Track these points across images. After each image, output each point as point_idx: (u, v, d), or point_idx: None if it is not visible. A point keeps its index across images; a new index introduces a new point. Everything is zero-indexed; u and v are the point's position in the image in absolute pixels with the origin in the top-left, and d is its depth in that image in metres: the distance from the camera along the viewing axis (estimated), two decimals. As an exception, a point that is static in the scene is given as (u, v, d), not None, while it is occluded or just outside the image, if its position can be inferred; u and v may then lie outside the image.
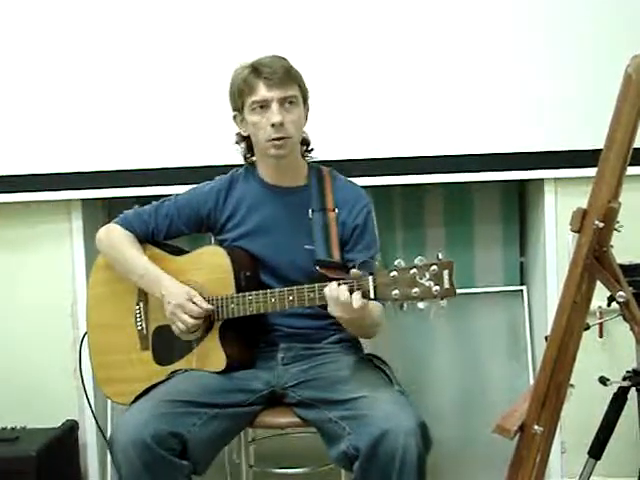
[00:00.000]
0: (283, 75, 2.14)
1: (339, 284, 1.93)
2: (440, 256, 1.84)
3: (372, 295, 1.90)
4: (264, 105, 2.14)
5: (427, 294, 1.83)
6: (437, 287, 1.82)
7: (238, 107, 2.21)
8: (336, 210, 2.25)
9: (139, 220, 2.32)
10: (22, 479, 2.48)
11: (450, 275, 1.82)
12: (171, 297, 2.16)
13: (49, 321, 2.84)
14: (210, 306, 2.15)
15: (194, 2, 2.72)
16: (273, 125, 2.13)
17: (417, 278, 1.83)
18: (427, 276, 1.82)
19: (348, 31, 2.70)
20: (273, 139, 2.15)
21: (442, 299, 1.83)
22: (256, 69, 2.15)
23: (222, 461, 2.46)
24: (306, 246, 2.20)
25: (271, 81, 2.13)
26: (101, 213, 2.93)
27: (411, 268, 1.84)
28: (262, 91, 2.14)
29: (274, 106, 2.14)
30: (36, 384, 2.84)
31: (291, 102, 2.16)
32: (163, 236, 2.33)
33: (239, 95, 2.18)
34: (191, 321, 2.14)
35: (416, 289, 1.83)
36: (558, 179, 2.73)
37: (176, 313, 2.15)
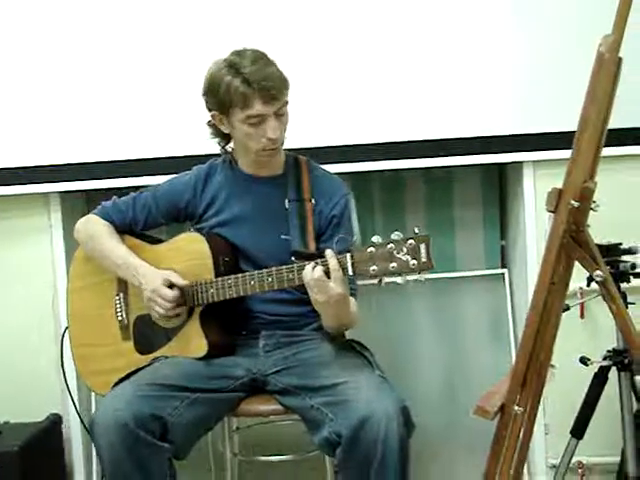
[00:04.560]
0: (279, 88, 2.10)
1: (317, 263, 1.95)
2: (417, 230, 1.86)
3: (350, 272, 1.92)
4: (260, 119, 2.11)
5: (405, 268, 1.85)
6: (414, 261, 1.84)
7: (223, 112, 2.16)
8: (313, 200, 2.25)
9: (117, 211, 2.32)
10: (5, 475, 2.47)
11: (427, 248, 1.84)
12: (147, 284, 2.16)
13: (30, 315, 2.82)
14: (185, 282, 2.15)
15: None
16: (269, 139, 2.13)
17: (394, 253, 1.86)
18: (404, 250, 1.85)
19: (325, 17, 2.69)
20: (267, 149, 2.16)
21: (420, 273, 1.85)
22: (248, 81, 2.07)
23: (206, 450, 2.47)
24: (282, 236, 2.21)
25: (268, 96, 2.08)
26: (80, 206, 2.91)
27: (388, 243, 1.87)
28: (258, 106, 2.09)
29: (270, 120, 2.11)
30: (18, 378, 2.82)
31: (283, 110, 2.14)
32: (141, 227, 2.33)
33: (229, 104, 2.11)
34: (167, 305, 2.14)
35: (394, 264, 1.85)
36: (536, 162, 2.73)
37: (152, 298, 2.15)
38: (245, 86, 2.08)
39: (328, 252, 1.95)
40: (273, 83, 2.09)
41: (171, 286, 2.16)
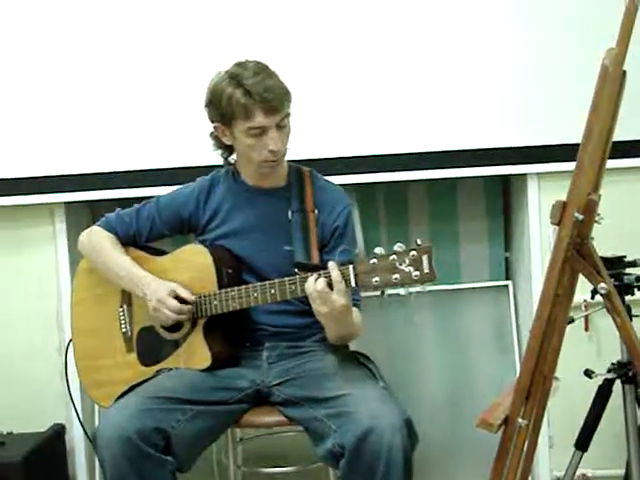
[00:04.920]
0: (280, 100, 2.11)
1: (320, 275, 1.96)
2: (419, 242, 1.87)
3: (353, 283, 1.92)
4: (261, 130, 2.11)
5: (407, 279, 1.86)
6: (417, 272, 1.85)
7: (226, 123, 2.17)
8: (316, 211, 2.26)
9: (120, 222, 2.32)
10: (8, 485, 2.47)
11: (429, 260, 1.86)
12: (152, 294, 2.16)
13: (34, 325, 2.82)
14: (192, 296, 2.15)
15: (177, 6, 2.71)
16: (271, 151, 2.13)
17: (397, 264, 1.87)
18: (407, 262, 1.86)
19: (328, 30, 2.69)
20: (269, 161, 2.16)
21: (422, 284, 1.86)
22: (249, 93, 2.08)
23: (210, 461, 2.47)
24: (285, 247, 2.21)
25: (269, 108, 2.09)
26: (85, 216, 2.92)
27: (390, 255, 1.88)
28: (259, 118, 2.10)
29: (272, 132, 2.11)
30: (22, 388, 2.82)
31: (285, 122, 2.14)
32: (145, 238, 2.33)
33: (230, 116, 2.13)
34: (173, 315, 2.14)
35: (396, 275, 1.87)
36: (541, 174, 2.73)
37: (158, 308, 2.15)
38: (246, 98, 2.09)
39: (331, 264, 1.96)
40: (274, 95, 2.09)
41: (177, 298, 2.15)
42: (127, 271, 2.25)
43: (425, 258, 1.86)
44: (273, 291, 2.07)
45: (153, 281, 2.20)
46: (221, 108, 2.14)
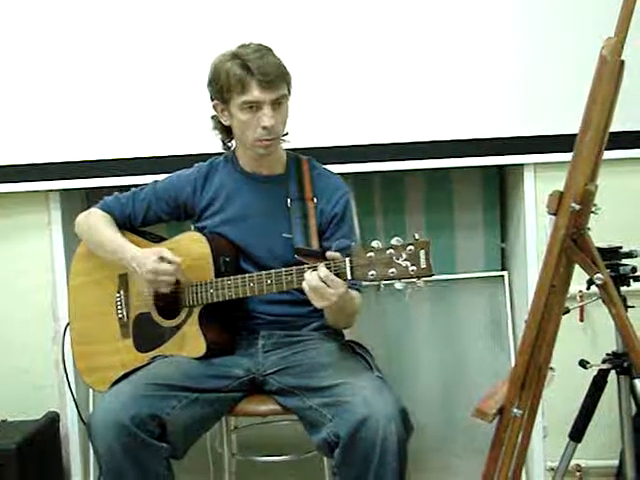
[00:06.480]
0: (277, 76, 2.11)
1: (315, 269, 1.94)
2: (417, 236, 1.85)
3: (349, 276, 1.91)
4: (256, 106, 2.12)
5: (404, 274, 1.84)
6: (414, 267, 1.83)
7: (224, 100, 2.17)
8: (314, 199, 2.25)
9: (117, 204, 2.33)
10: (3, 472, 2.46)
11: (427, 255, 1.84)
12: (143, 267, 2.16)
13: (28, 313, 2.82)
14: (179, 258, 2.14)
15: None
16: (264, 127, 2.12)
17: (394, 258, 1.85)
18: (404, 256, 1.84)
19: (328, 19, 2.68)
20: (263, 140, 2.15)
21: (419, 279, 1.84)
22: (247, 67, 2.09)
23: (204, 450, 2.47)
24: (284, 234, 2.20)
25: (265, 82, 2.09)
26: (80, 204, 2.91)
27: (388, 249, 1.86)
28: (255, 92, 2.10)
29: (267, 108, 2.11)
30: (16, 376, 2.82)
31: (281, 102, 2.14)
32: (140, 220, 2.33)
33: (227, 90, 2.13)
34: (172, 279, 2.15)
35: (393, 269, 1.85)
36: (538, 164, 2.72)
37: (155, 280, 2.15)
38: (244, 72, 2.10)
39: (325, 260, 1.94)
40: (272, 70, 2.10)
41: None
42: (117, 246, 2.25)
43: (422, 253, 1.84)
44: (269, 282, 2.06)
45: (139, 253, 2.19)
46: (220, 83, 2.14)
